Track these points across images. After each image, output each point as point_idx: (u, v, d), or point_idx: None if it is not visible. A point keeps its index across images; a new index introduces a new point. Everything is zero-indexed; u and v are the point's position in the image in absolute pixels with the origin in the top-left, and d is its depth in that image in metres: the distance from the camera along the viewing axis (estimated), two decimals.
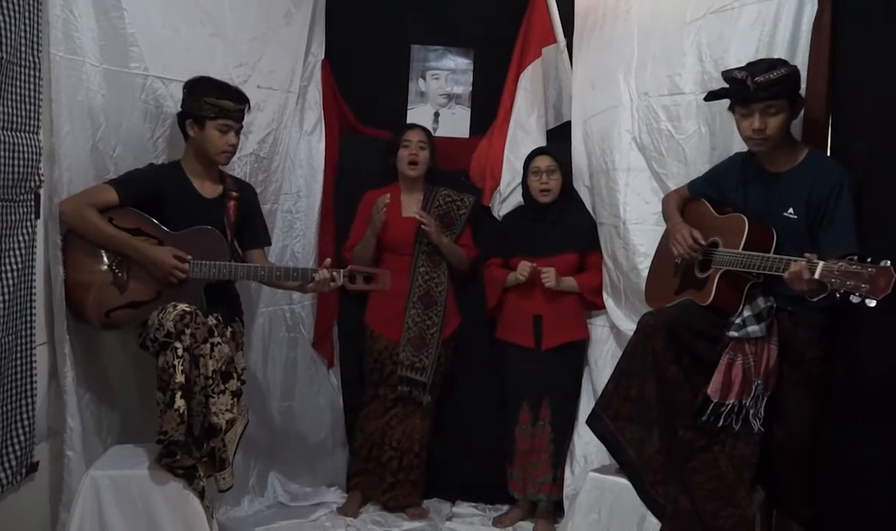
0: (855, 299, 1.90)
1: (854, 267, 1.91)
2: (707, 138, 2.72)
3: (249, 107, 2.78)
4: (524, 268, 3.18)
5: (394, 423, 3.30)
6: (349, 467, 3.46)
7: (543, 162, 3.23)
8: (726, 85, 2.36)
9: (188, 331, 2.42)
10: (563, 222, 3.25)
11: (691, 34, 2.75)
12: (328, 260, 2.80)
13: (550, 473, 3.20)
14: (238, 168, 3.02)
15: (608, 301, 3.19)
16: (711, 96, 2.44)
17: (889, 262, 1.85)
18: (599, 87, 3.21)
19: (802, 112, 2.41)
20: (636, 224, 2.99)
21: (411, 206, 3.33)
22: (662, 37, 2.88)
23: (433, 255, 3.32)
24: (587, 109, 3.32)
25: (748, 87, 2.28)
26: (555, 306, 3.22)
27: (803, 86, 2.39)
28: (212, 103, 2.65)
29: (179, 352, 2.39)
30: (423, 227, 3.24)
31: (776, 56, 2.42)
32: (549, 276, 3.14)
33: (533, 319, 3.23)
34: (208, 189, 2.76)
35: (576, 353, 3.28)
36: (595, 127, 3.23)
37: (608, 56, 3.14)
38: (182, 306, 2.46)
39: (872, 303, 1.87)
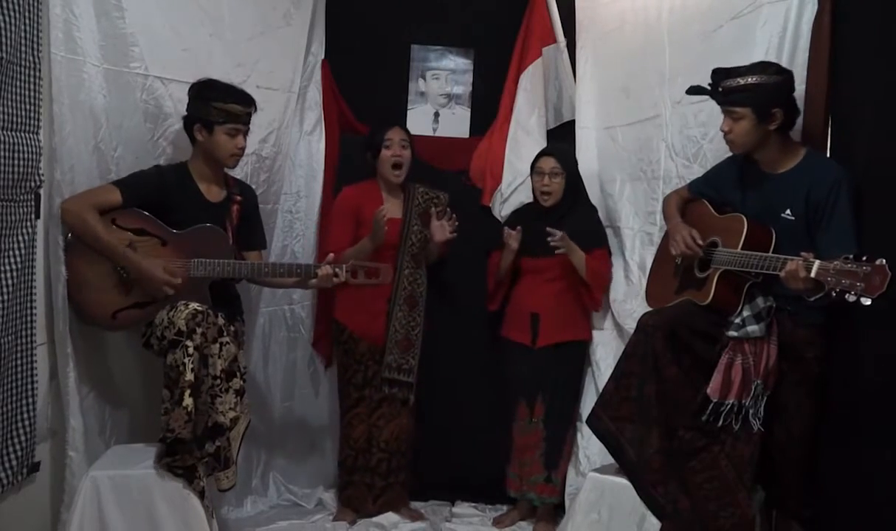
0: (850, 298, 1.90)
1: (849, 265, 1.92)
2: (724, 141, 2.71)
3: (256, 108, 2.78)
4: (509, 236, 3.17)
5: (381, 424, 3.26)
6: (338, 478, 3.39)
7: (547, 164, 3.22)
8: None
9: (199, 331, 2.43)
10: (565, 223, 3.22)
11: (716, 42, 2.76)
12: (331, 255, 2.79)
13: (543, 473, 3.20)
14: (240, 168, 3.01)
15: (630, 302, 3.15)
16: (692, 91, 2.47)
17: (884, 260, 1.85)
18: (634, 96, 3.21)
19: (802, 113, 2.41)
20: None
21: (393, 206, 3.26)
22: (691, 47, 2.89)
23: (416, 256, 3.28)
24: (616, 116, 3.31)
25: (716, 89, 2.34)
26: (553, 305, 3.22)
27: (802, 87, 2.39)
28: (220, 108, 2.65)
29: (190, 350, 2.40)
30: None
31: (783, 57, 2.43)
32: (557, 239, 3.04)
33: (530, 317, 3.24)
34: (214, 193, 2.77)
35: (574, 353, 3.27)
36: (630, 135, 3.23)
37: (643, 65, 3.14)
38: (194, 305, 2.47)
39: (868, 302, 1.87)
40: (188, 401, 2.38)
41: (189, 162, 2.76)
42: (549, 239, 3.04)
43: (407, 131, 3.32)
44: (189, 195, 2.70)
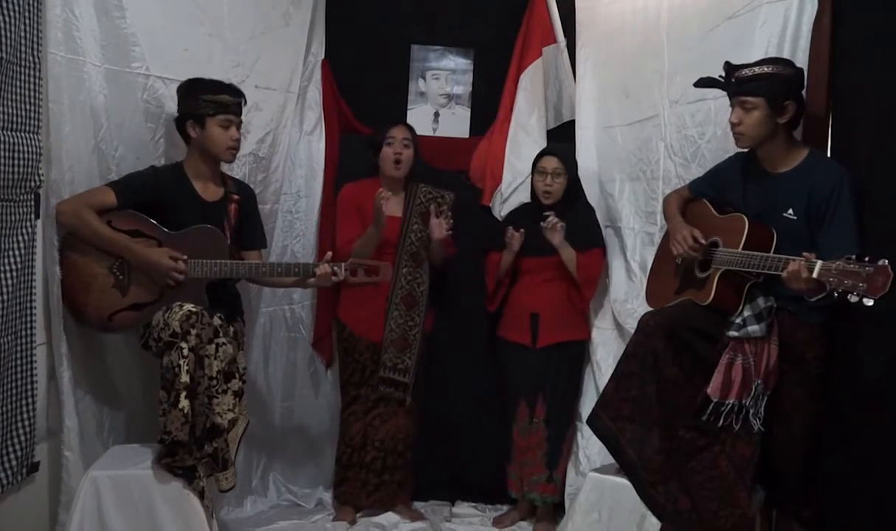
0: (853, 298, 1.90)
1: (852, 266, 1.91)
2: (722, 140, 2.71)
3: (245, 101, 2.78)
4: (512, 237, 3.16)
5: (376, 423, 3.26)
6: (334, 476, 3.39)
7: (550, 163, 3.22)
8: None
9: (194, 332, 2.42)
10: (564, 223, 3.24)
11: (713, 41, 2.76)
12: (329, 254, 2.78)
13: (545, 473, 3.20)
14: (237, 168, 3.02)
15: (632, 302, 3.15)
16: (701, 83, 2.47)
17: (887, 262, 1.85)
18: (634, 96, 3.22)
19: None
20: None
21: (394, 203, 3.24)
22: (689, 47, 2.89)
23: (416, 254, 3.27)
24: (615, 116, 3.31)
25: (729, 80, 2.33)
26: (552, 304, 3.22)
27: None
28: (210, 100, 2.65)
29: (185, 352, 2.39)
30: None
31: (783, 57, 2.42)
32: (552, 222, 3.08)
33: (530, 317, 3.23)
34: (210, 192, 2.76)
35: (574, 353, 3.27)
36: (630, 135, 3.23)
37: (643, 65, 3.15)
38: (188, 306, 2.46)
39: (870, 303, 1.87)
40: (184, 402, 2.37)
41: (184, 161, 2.75)
42: (543, 223, 3.04)
43: (411, 130, 3.31)
44: (184, 195, 2.69)
